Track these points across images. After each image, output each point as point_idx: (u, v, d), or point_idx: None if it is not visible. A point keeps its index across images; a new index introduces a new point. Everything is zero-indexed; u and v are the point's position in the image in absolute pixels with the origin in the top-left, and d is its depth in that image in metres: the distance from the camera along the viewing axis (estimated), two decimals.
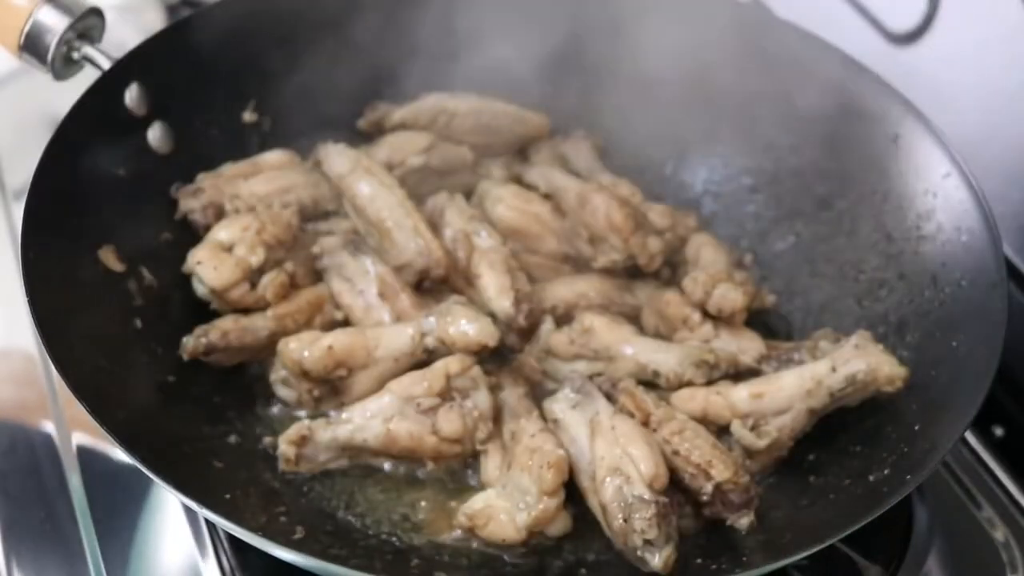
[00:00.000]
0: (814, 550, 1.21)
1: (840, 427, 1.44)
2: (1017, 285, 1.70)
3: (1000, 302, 1.38)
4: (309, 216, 1.63)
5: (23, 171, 1.47)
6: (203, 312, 1.52)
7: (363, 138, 1.77)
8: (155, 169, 1.57)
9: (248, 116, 1.69)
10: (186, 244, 1.54)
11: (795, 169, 1.72)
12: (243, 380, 1.51)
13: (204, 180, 1.59)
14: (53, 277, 1.34)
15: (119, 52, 1.55)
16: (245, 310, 1.51)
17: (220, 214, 1.56)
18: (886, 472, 1.32)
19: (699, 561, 1.31)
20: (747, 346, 1.51)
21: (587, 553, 1.36)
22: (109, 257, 1.45)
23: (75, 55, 1.53)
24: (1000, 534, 1.50)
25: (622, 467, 1.30)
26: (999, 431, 1.64)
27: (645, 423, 1.37)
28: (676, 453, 1.34)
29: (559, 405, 1.41)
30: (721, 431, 1.42)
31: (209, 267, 1.48)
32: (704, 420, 1.40)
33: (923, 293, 1.51)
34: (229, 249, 1.50)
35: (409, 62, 1.78)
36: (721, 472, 1.32)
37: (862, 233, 1.63)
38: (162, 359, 1.44)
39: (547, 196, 1.69)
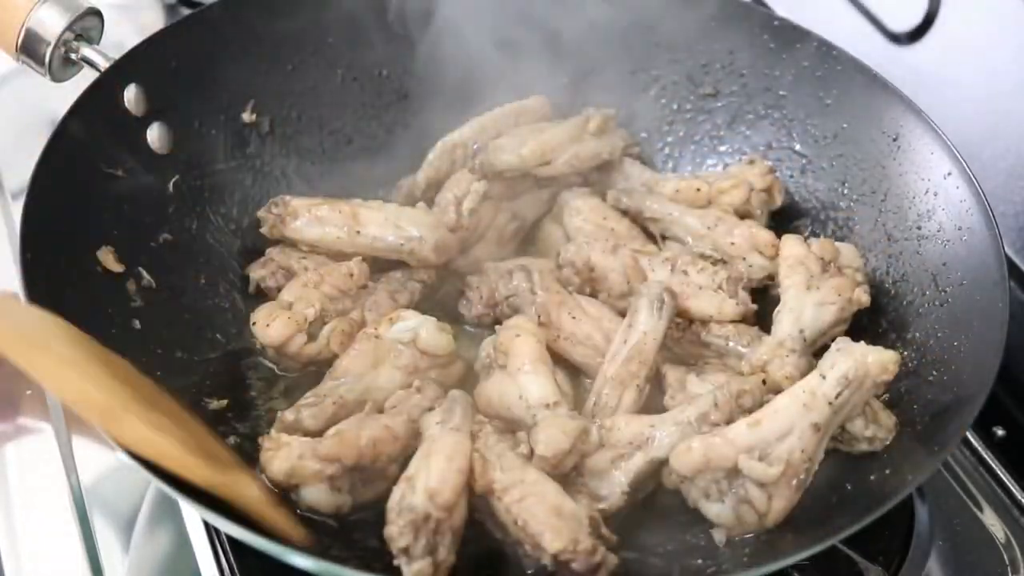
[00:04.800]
0: (815, 550, 1.21)
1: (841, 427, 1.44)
2: (1018, 285, 1.70)
3: (1001, 302, 1.37)
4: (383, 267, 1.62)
5: (22, 171, 1.47)
6: (202, 312, 1.52)
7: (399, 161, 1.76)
8: (154, 169, 1.57)
9: (247, 116, 1.69)
10: (185, 245, 1.55)
11: (795, 169, 1.73)
12: (242, 381, 1.51)
13: (272, 253, 1.61)
14: (52, 278, 1.34)
15: (118, 52, 1.55)
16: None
17: (290, 275, 1.57)
18: (887, 472, 1.32)
19: (699, 562, 1.31)
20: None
21: None
22: (108, 258, 1.45)
23: (73, 56, 1.53)
24: (1001, 534, 1.50)
25: (415, 475, 1.27)
26: (1000, 432, 1.64)
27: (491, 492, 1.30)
28: (516, 523, 1.27)
29: (433, 419, 1.37)
30: (731, 474, 1.33)
31: (262, 325, 1.48)
32: (709, 467, 1.31)
33: (924, 293, 1.51)
34: (290, 307, 1.50)
35: (408, 62, 1.79)
36: (551, 542, 1.23)
37: (863, 233, 1.63)
38: (161, 360, 1.44)
39: (625, 213, 1.68)
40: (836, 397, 1.32)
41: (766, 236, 1.59)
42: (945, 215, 1.52)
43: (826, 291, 1.49)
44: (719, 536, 1.33)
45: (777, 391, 1.38)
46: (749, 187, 1.65)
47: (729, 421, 1.36)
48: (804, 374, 1.39)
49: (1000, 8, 1.73)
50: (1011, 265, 1.69)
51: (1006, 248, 1.47)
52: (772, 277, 1.57)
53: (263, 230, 1.62)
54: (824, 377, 1.34)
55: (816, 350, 1.48)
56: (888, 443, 1.37)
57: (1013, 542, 1.48)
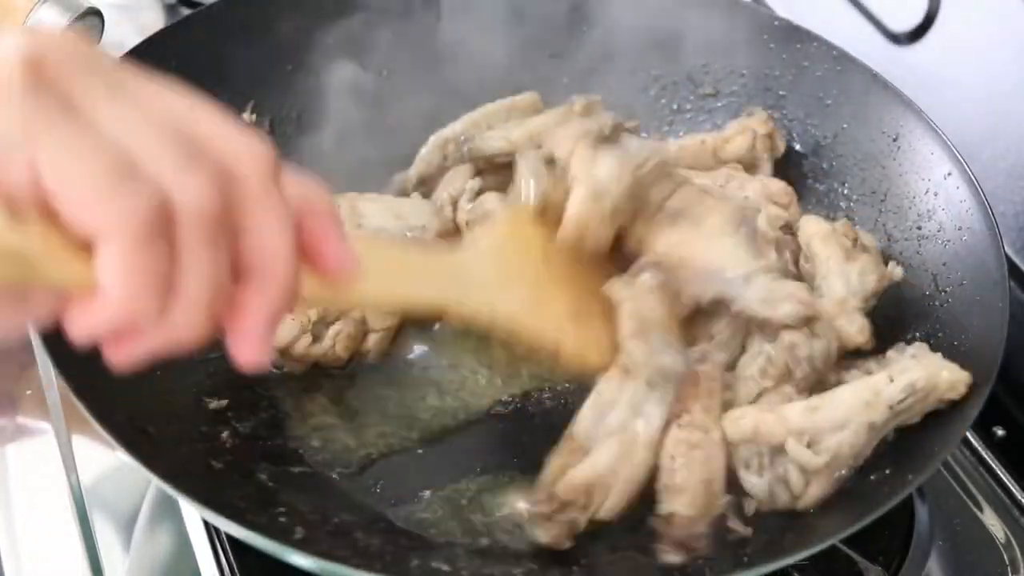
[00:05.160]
0: (815, 550, 1.21)
1: None
2: (1018, 285, 1.70)
3: (1001, 302, 1.37)
4: None
5: None
6: None
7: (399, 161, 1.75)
8: None
9: (247, 116, 1.69)
10: None
11: (794, 170, 1.72)
12: (242, 380, 1.50)
13: None
14: None
15: (118, 52, 1.54)
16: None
17: None
18: (887, 472, 1.31)
19: (699, 561, 1.30)
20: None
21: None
22: None
23: None
24: (1001, 534, 1.49)
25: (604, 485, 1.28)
26: (1000, 432, 1.64)
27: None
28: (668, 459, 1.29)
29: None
30: (776, 452, 1.32)
31: None
32: (756, 440, 1.31)
33: (924, 293, 1.51)
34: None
35: (408, 62, 1.79)
36: (680, 503, 1.26)
37: (862, 233, 1.62)
38: (160, 359, 1.43)
39: None
40: (899, 403, 1.31)
41: (778, 185, 1.59)
42: (945, 215, 1.52)
43: (864, 262, 1.49)
44: (748, 507, 1.33)
45: (844, 347, 1.40)
46: (753, 133, 1.65)
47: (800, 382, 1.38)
48: (870, 331, 1.41)
49: (1000, 8, 1.73)
50: (1011, 265, 1.69)
51: (1006, 248, 1.47)
52: (790, 226, 1.55)
53: None
54: (892, 380, 1.32)
55: None
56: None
57: (1013, 542, 1.48)
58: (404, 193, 1.70)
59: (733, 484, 1.34)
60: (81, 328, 0.79)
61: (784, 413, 1.32)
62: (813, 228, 1.54)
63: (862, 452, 1.32)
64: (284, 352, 1.48)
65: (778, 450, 1.31)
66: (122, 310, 0.76)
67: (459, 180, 1.64)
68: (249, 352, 0.87)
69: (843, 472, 1.31)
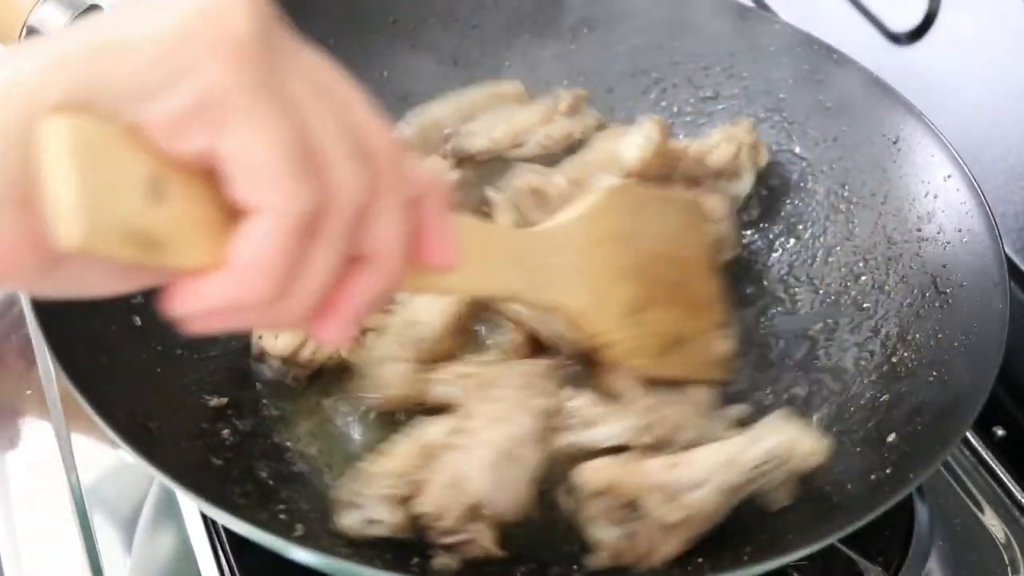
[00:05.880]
0: (814, 549, 1.20)
1: None
2: (1018, 286, 1.70)
3: (1001, 303, 1.38)
4: None
5: None
6: None
7: None
8: None
9: None
10: None
11: (795, 172, 1.72)
12: (242, 379, 1.51)
13: None
14: None
15: None
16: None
17: None
18: (887, 472, 1.31)
19: (699, 560, 1.30)
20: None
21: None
22: None
23: None
24: (1001, 534, 1.50)
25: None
26: (1000, 432, 1.64)
27: None
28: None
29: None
30: (629, 506, 1.27)
31: (269, 337, 1.46)
32: (611, 492, 1.26)
33: (924, 295, 1.51)
34: None
35: (408, 62, 1.79)
36: (423, 503, 1.24)
37: (863, 236, 1.63)
38: (161, 356, 1.43)
39: None
40: (755, 468, 1.29)
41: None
42: (945, 217, 1.52)
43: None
44: (592, 564, 1.28)
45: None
46: (738, 143, 1.65)
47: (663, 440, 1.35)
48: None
49: (1001, 8, 1.73)
50: (1011, 265, 1.69)
51: (1006, 248, 1.48)
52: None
53: None
54: (754, 443, 1.31)
55: None
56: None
57: (1013, 542, 1.48)
58: None
59: (577, 536, 1.31)
60: (187, 305, 0.74)
61: (642, 468, 1.28)
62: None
63: (717, 512, 1.28)
64: (288, 360, 1.48)
65: (632, 505, 1.26)
66: (243, 290, 0.73)
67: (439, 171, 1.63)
68: (335, 333, 0.83)
69: (696, 531, 1.27)
